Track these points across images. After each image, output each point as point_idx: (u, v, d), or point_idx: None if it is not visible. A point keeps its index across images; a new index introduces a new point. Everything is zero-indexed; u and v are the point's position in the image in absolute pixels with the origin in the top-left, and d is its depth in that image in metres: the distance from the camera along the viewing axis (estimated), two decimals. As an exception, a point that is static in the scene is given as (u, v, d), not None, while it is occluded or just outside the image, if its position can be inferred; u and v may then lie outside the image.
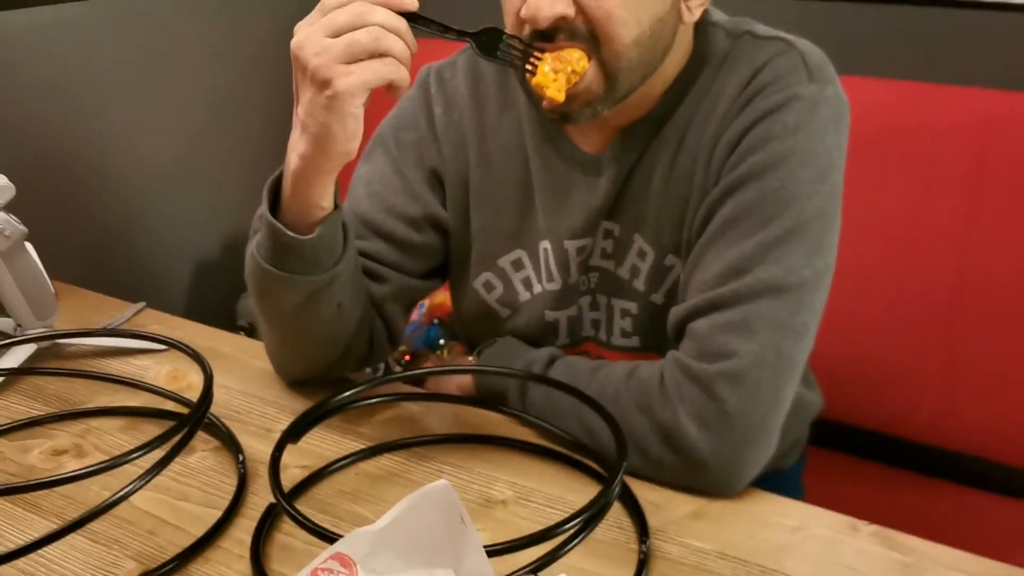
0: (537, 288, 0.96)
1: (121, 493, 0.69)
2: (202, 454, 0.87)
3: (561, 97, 0.79)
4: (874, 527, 0.77)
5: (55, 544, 0.69)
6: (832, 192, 0.83)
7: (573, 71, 0.79)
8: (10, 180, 1.00)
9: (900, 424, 1.29)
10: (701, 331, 0.81)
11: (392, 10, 0.74)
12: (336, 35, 0.73)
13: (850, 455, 1.33)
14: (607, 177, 0.90)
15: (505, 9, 0.83)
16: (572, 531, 0.64)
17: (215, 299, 1.53)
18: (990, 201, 1.18)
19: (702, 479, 0.80)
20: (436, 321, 1.54)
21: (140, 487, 0.70)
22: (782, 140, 0.82)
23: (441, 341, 1.53)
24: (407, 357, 1.53)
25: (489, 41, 0.80)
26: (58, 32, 1.29)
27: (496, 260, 0.97)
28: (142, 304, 1.17)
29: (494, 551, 0.59)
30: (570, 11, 0.78)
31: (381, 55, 0.73)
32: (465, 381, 0.95)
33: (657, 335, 0.91)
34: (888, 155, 1.23)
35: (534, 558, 0.62)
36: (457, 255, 0.99)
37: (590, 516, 0.65)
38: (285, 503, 0.67)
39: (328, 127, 0.75)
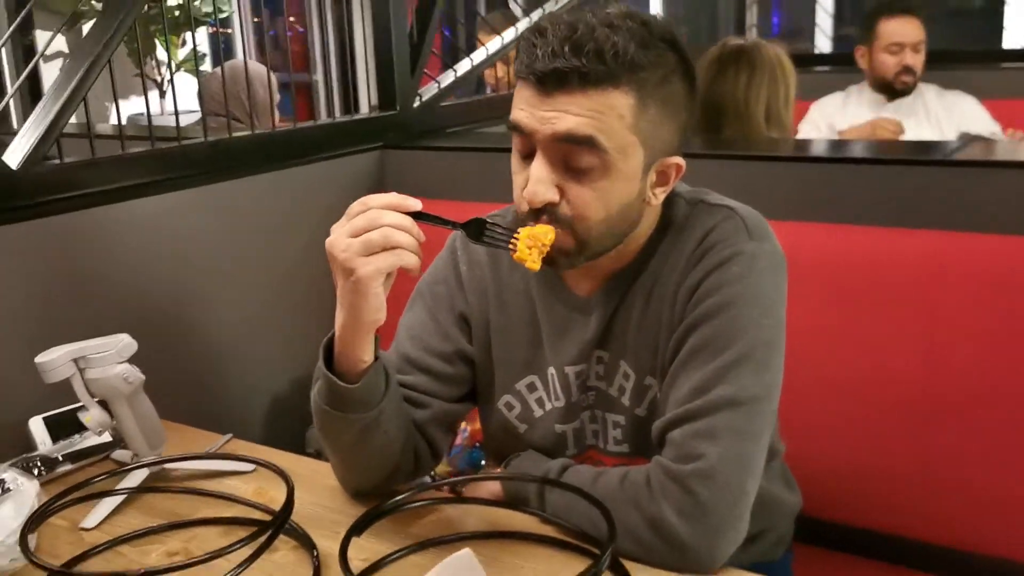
0: (548, 406, 1.17)
1: (226, 577, 0.91)
2: (284, 552, 1.07)
3: (538, 266, 1.01)
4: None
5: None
6: (773, 325, 1.04)
7: (543, 244, 1.01)
8: (130, 334, 1.26)
9: (883, 521, 1.44)
10: (676, 439, 1.01)
11: (400, 211, 0.98)
12: (357, 235, 0.96)
13: (840, 552, 1.47)
14: (596, 316, 1.12)
15: (514, 182, 1.06)
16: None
17: (287, 430, 1.76)
18: (946, 323, 1.37)
19: (684, 560, 0.98)
20: (478, 444, 1.74)
21: (240, 572, 0.91)
22: (731, 286, 1.04)
23: (483, 462, 1.73)
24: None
25: (476, 229, 1.02)
26: (171, 214, 1.60)
27: (514, 384, 1.18)
28: (229, 436, 1.40)
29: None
30: (556, 197, 1.01)
31: (393, 247, 0.97)
32: (495, 488, 1.15)
33: (643, 442, 1.10)
34: (855, 288, 1.43)
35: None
36: (483, 382, 1.21)
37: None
38: (346, 564, 0.88)
39: (357, 304, 0.99)
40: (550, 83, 0.98)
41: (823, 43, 5.34)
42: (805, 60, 4.21)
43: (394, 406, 1.10)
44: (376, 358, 1.06)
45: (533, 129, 1.00)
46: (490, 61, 2.35)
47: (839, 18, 5.53)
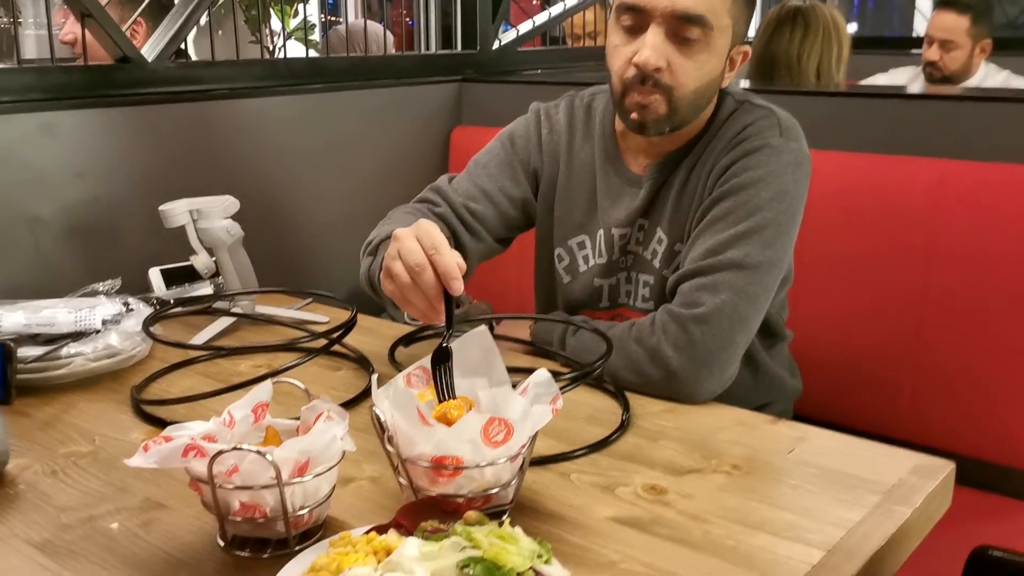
0: (591, 262, 1.37)
1: (293, 363, 1.14)
2: (346, 371, 1.30)
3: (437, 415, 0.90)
4: (784, 421, 1.12)
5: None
6: (786, 211, 1.22)
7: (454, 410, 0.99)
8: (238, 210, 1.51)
9: (875, 423, 1.59)
10: (684, 290, 1.21)
11: (442, 279, 1.01)
12: (404, 266, 1.02)
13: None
14: (645, 189, 1.32)
15: (616, 54, 1.24)
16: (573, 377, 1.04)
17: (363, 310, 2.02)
18: (944, 241, 1.52)
19: (673, 387, 1.16)
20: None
21: (306, 361, 1.15)
22: (753, 171, 1.23)
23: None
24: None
25: (439, 356, 0.96)
26: (273, 113, 1.88)
27: (568, 240, 1.39)
28: (310, 299, 1.64)
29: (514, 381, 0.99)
30: (664, 64, 1.21)
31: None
32: (526, 331, 1.35)
33: (666, 301, 1.29)
34: (865, 207, 1.59)
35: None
36: (541, 234, 1.43)
37: (581, 374, 1.05)
38: (394, 359, 1.10)
39: None
40: None
41: (921, 26, 5.35)
42: (904, 43, 4.27)
43: None
44: None
45: (652, 7, 1.19)
46: (566, 15, 2.57)
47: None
